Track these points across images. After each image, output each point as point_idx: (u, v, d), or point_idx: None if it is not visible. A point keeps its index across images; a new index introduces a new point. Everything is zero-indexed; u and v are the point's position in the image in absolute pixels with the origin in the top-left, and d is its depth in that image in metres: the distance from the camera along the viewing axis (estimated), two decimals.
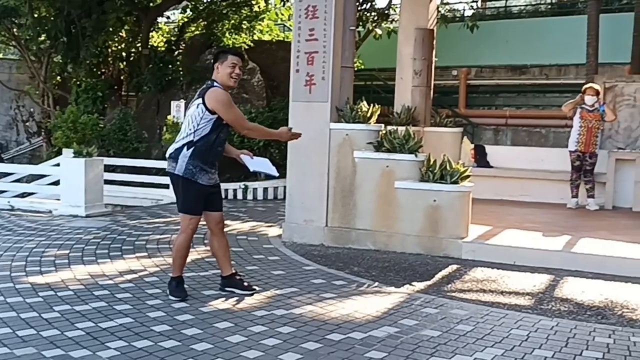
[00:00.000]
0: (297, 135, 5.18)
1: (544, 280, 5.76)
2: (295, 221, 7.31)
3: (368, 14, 14.27)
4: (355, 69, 14.62)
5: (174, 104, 12.25)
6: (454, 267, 6.21)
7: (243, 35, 15.32)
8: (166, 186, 11.05)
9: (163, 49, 15.76)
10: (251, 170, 5.20)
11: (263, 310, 4.59)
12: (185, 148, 4.74)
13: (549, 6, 17.04)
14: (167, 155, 4.90)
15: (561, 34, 14.72)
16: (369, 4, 14.29)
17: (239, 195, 10.96)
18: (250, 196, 11.05)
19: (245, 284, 5.09)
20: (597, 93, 9.46)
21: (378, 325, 4.32)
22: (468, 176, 6.86)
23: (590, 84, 9.74)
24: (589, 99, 9.38)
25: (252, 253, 6.58)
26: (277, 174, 5.21)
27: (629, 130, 10.81)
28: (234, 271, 5.13)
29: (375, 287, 5.39)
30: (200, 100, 4.73)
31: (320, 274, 5.76)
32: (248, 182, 11.14)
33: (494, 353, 3.85)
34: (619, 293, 5.35)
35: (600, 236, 7.13)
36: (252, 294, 4.97)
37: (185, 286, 4.93)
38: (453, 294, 5.25)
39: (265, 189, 11.16)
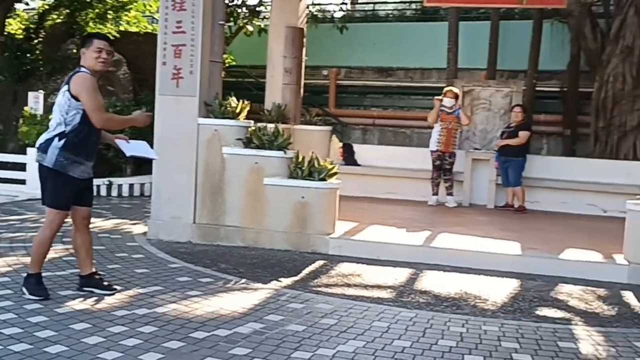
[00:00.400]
0: (150, 116, 5.10)
1: (405, 273, 5.98)
2: (161, 218, 7.11)
3: (239, 10, 14.18)
4: (227, 65, 14.54)
5: (31, 94, 11.51)
6: (321, 262, 6.30)
7: (108, 25, 14.67)
8: (22, 182, 10.40)
9: (21, 36, 14.76)
10: (127, 155, 5.00)
11: (124, 310, 4.42)
12: (57, 139, 4.49)
13: (414, 12, 17.77)
14: (36, 145, 4.62)
15: (425, 39, 15.40)
16: (240, 0, 14.22)
17: (103, 192, 10.48)
18: (115, 192, 10.59)
19: (106, 283, 4.88)
20: (455, 96, 10.00)
21: (243, 321, 4.29)
22: (336, 173, 7.00)
23: (449, 88, 10.28)
24: (448, 102, 9.90)
25: (114, 251, 6.31)
26: (156, 157, 5.02)
27: (485, 132, 11.50)
28: (94, 270, 4.90)
29: (243, 283, 5.36)
30: (66, 87, 4.52)
31: (186, 272, 5.64)
32: (113, 177, 10.69)
33: (355, 345, 3.95)
34: (473, 285, 5.67)
35: (458, 232, 7.53)
36: (112, 294, 4.77)
37: None
38: (319, 289, 5.32)
39: (131, 185, 10.76)
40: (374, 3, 18.40)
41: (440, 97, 9.97)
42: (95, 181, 10.39)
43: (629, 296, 5.56)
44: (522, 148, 9.80)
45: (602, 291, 5.66)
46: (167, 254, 6.34)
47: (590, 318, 4.87)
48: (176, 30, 6.94)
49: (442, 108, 9.90)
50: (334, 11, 17.55)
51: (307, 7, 10.96)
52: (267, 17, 13.83)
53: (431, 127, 10.31)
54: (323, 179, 6.82)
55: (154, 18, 16.82)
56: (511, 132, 9.82)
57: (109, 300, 4.63)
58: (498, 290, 5.53)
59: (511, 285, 5.73)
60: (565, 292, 5.61)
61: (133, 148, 4.94)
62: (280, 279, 5.57)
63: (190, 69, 6.91)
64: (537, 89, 13.98)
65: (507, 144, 9.72)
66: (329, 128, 11.08)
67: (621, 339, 4.36)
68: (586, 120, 13.29)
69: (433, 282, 5.73)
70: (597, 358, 3.96)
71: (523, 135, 9.70)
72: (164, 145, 6.96)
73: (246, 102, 7.25)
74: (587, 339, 4.34)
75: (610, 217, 9.41)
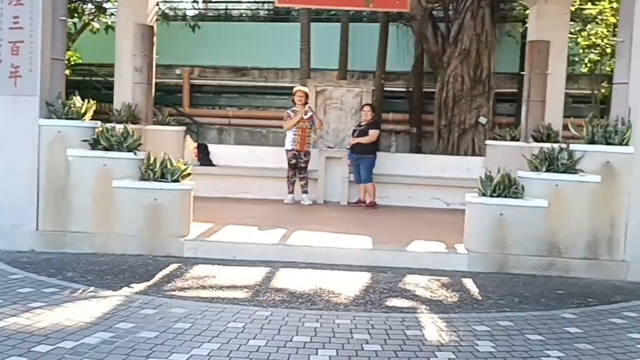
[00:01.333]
0: None
1: (261, 272, 6.01)
2: (0, 226, 6.62)
3: (84, 6, 13.53)
4: (72, 63, 13.83)
5: None
6: (176, 265, 6.17)
7: None
8: None
9: None
10: None
11: None
12: None
13: (267, 12, 17.89)
14: None
15: (278, 39, 15.56)
16: None
17: None
18: None
19: None
20: (305, 95, 10.16)
21: (91, 331, 4.10)
22: (190, 174, 6.88)
23: (299, 87, 10.45)
24: (297, 101, 10.04)
25: None
26: None
27: (337, 130, 11.85)
28: None
29: (91, 292, 5.12)
30: None
31: (28, 282, 5.29)
32: None
33: (210, 348, 3.91)
34: (327, 280, 5.82)
35: (313, 229, 7.69)
36: None
37: None
38: (173, 293, 5.21)
39: None
40: (227, 2, 18.30)
41: (296, 109, 10.02)
42: None
43: (468, 283, 5.97)
44: (373, 146, 10.17)
45: (445, 279, 6.02)
46: (7, 264, 5.92)
47: (435, 305, 5.17)
48: (13, 26, 6.50)
49: (295, 109, 10.04)
50: (186, 9, 17.25)
51: (157, 5, 10.67)
52: (114, 13, 13.31)
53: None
54: (176, 180, 6.69)
55: None
56: (362, 130, 10.16)
57: None
58: (351, 284, 5.71)
59: (363, 279, 5.94)
60: (413, 282, 5.91)
61: None
62: (131, 285, 5.39)
63: (29, 67, 6.50)
64: (386, 89, 14.62)
65: (359, 142, 10.05)
66: (183, 128, 10.90)
67: (462, 323, 4.67)
68: (430, 118, 14.10)
69: (288, 279, 5.81)
70: (441, 343, 4.21)
71: (373, 133, 10.07)
72: (2, 147, 6.50)
73: (92, 101, 6.94)
74: (432, 325, 4.60)
75: (452, 209, 10.00)
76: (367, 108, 10.42)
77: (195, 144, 11.33)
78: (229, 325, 4.37)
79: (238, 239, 6.91)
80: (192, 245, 6.63)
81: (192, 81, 15.91)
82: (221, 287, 5.46)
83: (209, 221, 7.64)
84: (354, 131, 10.39)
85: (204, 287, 5.45)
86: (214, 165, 10.97)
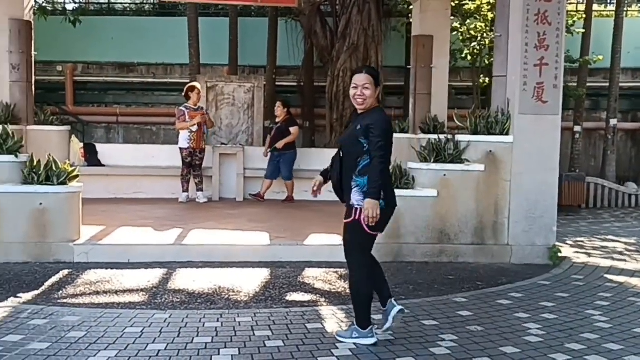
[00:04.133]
0: None
1: (158, 274, 5.88)
2: None
3: None
4: None
5: None
6: (66, 272, 5.92)
7: None
8: None
9: None
10: None
11: None
12: None
13: (152, 6, 17.40)
14: None
15: (165, 34, 15.17)
16: None
17: None
18: None
19: None
20: (198, 92, 9.98)
21: None
22: (77, 176, 6.61)
23: (192, 84, 10.25)
24: (195, 98, 9.86)
25: None
26: None
27: (231, 127, 11.75)
28: None
29: None
30: None
31: None
32: None
33: (107, 355, 3.79)
34: (226, 278, 5.78)
35: (209, 227, 7.60)
36: None
37: None
38: (65, 301, 5.00)
39: None
40: None
41: (189, 106, 9.82)
42: None
43: None
44: (293, 142, 10.25)
45: (343, 271, 6.12)
46: None
47: (334, 298, 5.26)
48: None
49: (188, 106, 9.84)
50: (66, 2, 16.47)
51: None
52: None
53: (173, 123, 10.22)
54: (63, 183, 6.40)
55: None
56: (279, 128, 10.20)
57: None
58: (250, 281, 5.70)
59: (262, 275, 5.95)
60: (312, 275, 5.99)
61: None
62: (18, 295, 5.11)
63: None
64: (277, 83, 14.61)
65: (286, 142, 10.05)
66: (68, 128, 10.44)
67: None
68: (322, 112, 14.25)
69: (186, 280, 5.72)
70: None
71: (295, 130, 10.16)
72: None
73: None
74: (332, 317, 4.68)
75: None
76: (279, 104, 10.43)
77: (82, 144, 10.86)
78: (126, 331, 4.25)
79: (132, 241, 6.72)
80: (82, 249, 6.37)
81: (75, 78, 15.19)
82: (116, 292, 5.29)
83: (100, 224, 7.38)
84: (271, 129, 10.40)
85: (97, 293, 5.26)
86: (103, 165, 10.57)
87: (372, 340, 4.08)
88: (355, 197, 4.03)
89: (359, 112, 4.20)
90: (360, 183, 4.01)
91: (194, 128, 9.70)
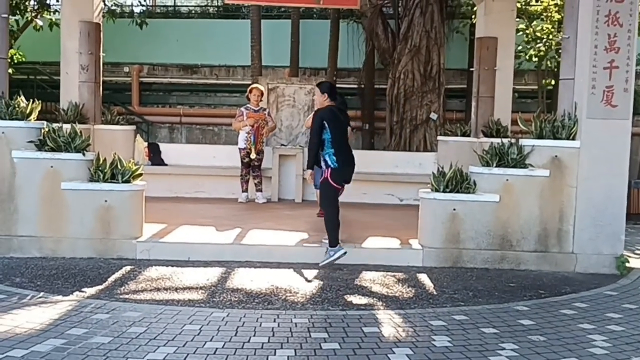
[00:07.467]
0: None
1: (216, 273, 5.95)
2: None
3: (27, 3, 13.12)
4: (16, 61, 13.41)
5: None
6: (128, 268, 6.05)
7: None
8: None
9: None
10: None
11: None
12: None
13: (217, 9, 17.69)
14: None
15: (228, 36, 15.41)
16: None
17: None
18: None
19: None
20: (261, 94, 10.07)
21: (42, 338, 3.98)
22: (141, 175, 6.75)
23: (255, 85, 10.35)
24: (254, 99, 9.95)
25: None
26: None
27: (290, 128, 11.81)
28: None
29: (40, 297, 4.97)
30: None
31: None
32: None
33: (166, 352, 3.84)
34: (283, 279, 5.79)
35: (267, 227, 7.64)
36: None
37: None
38: (126, 297, 5.11)
39: None
40: None
41: (250, 107, 9.91)
42: None
43: (424, 278, 6.03)
44: None
45: (400, 275, 6.07)
46: None
47: (391, 302, 5.20)
48: None
49: (248, 107, 9.94)
50: (133, 6, 16.92)
51: (103, 1, 10.43)
52: (58, 10, 12.96)
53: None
54: (127, 181, 6.55)
55: None
56: None
57: None
58: (307, 282, 5.70)
59: (319, 276, 5.93)
60: (369, 278, 5.94)
61: None
62: (83, 289, 5.26)
63: None
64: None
65: None
66: (133, 127, 10.70)
67: (418, 319, 4.71)
68: (382, 115, 14.18)
69: (244, 279, 5.76)
70: (398, 339, 4.24)
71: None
72: None
73: (37, 101, 6.74)
74: (389, 321, 4.62)
75: (406, 205, 10.11)
76: None
77: (146, 144, 11.12)
78: (184, 328, 4.30)
79: (192, 240, 6.82)
80: (145, 246, 6.51)
81: (141, 79, 15.61)
82: (176, 289, 5.38)
83: (162, 222, 7.53)
84: None
85: (158, 290, 5.35)
86: (166, 164, 10.80)
87: (342, 251, 6.18)
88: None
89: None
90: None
91: (247, 129, 9.76)
